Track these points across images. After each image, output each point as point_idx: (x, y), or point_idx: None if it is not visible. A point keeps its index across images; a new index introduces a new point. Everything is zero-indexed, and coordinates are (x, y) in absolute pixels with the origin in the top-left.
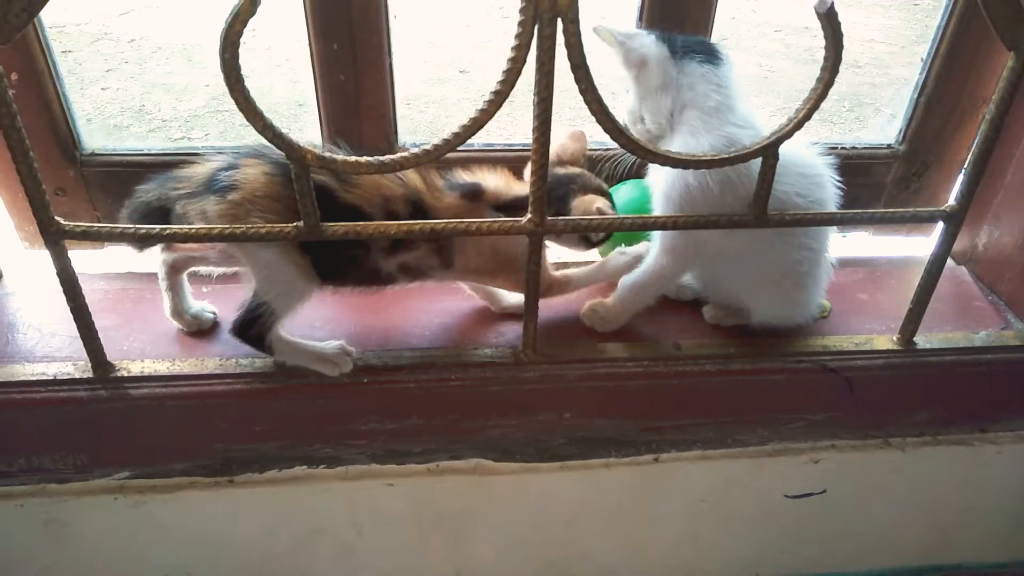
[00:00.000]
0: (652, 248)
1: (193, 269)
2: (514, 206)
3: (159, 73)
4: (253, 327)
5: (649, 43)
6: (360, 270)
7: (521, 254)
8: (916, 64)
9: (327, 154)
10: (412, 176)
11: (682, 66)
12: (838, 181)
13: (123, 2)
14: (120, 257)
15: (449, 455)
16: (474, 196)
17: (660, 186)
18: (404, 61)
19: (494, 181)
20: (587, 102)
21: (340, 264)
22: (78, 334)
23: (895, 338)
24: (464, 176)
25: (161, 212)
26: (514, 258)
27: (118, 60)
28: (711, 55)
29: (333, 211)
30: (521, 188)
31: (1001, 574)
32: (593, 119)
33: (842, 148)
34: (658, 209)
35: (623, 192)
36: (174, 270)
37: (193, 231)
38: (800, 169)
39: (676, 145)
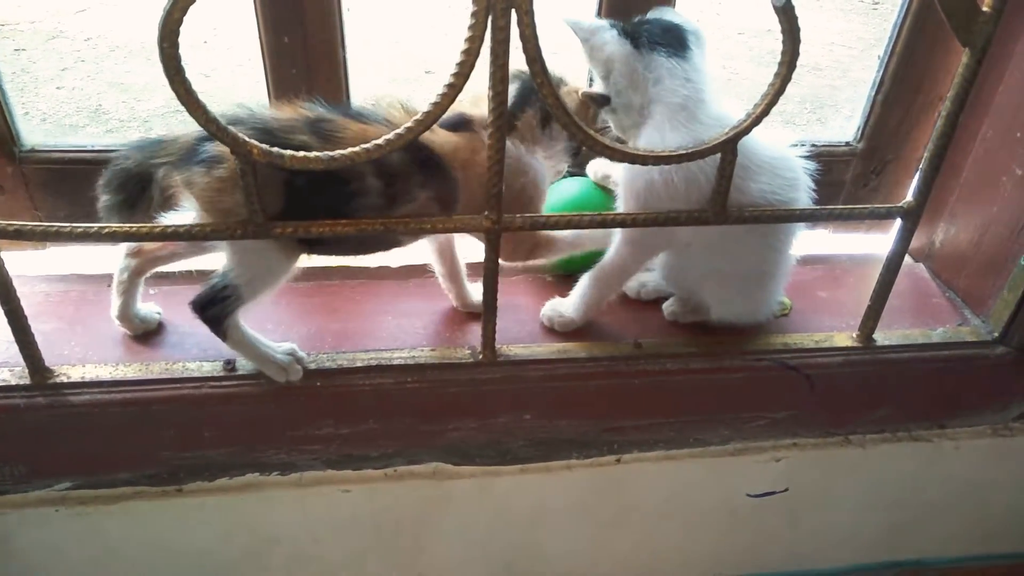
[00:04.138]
0: (614, 240)
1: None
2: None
3: (117, 72)
4: (214, 307)
5: (612, 39)
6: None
7: (530, 183)
8: (874, 66)
9: (274, 149)
10: (400, 117)
11: (648, 61)
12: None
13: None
14: (64, 258)
15: (407, 459)
16: (464, 126)
17: (625, 176)
18: (369, 60)
19: (478, 110)
20: (543, 96)
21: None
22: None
23: (854, 335)
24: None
25: (141, 180)
26: (521, 188)
27: (74, 59)
28: (678, 45)
29: (318, 172)
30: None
31: (959, 569)
32: None
33: (801, 146)
34: (622, 199)
35: (563, 188)
36: (136, 273)
37: (135, 230)
38: (777, 170)
39: (643, 140)
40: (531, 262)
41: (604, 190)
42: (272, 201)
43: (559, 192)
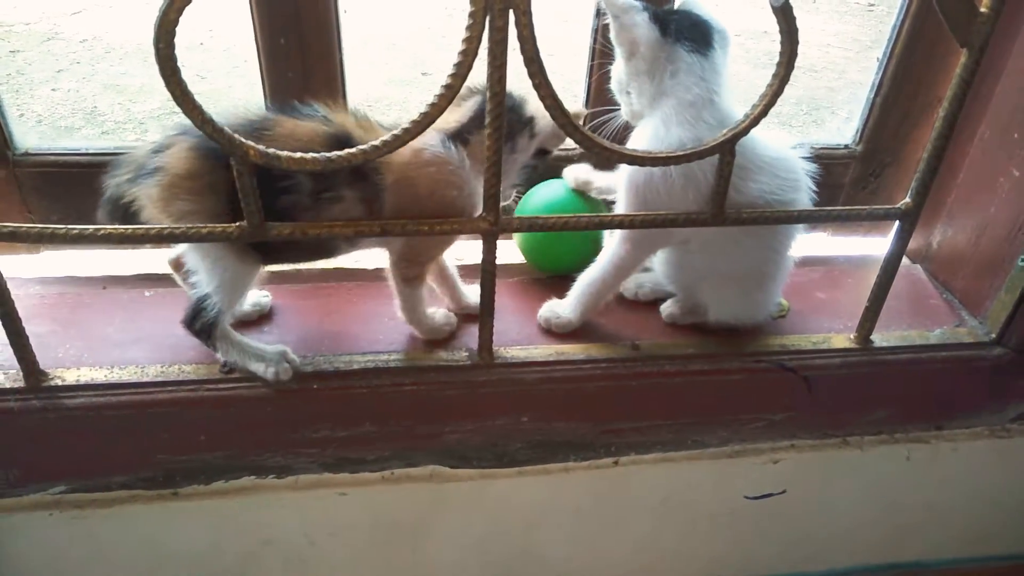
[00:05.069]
0: (611, 240)
1: None
2: (460, 132)
3: (113, 74)
4: (200, 319)
5: (642, 22)
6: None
7: (462, 197)
8: (871, 68)
9: (271, 151)
10: (340, 116)
11: (671, 52)
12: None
13: (74, 1)
14: (58, 263)
15: (404, 462)
16: None
17: (626, 171)
18: (366, 62)
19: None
20: (541, 97)
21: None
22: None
23: (852, 336)
24: None
25: (123, 201)
26: (452, 200)
27: (69, 60)
28: (702, 43)
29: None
30: (463, 114)
31: (958, 571)
32: None
33: (801, 147)
34: (621, 194)
35: (544, 192)
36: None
37: (130, 232)
38: (777, 171)
39: (649, 131)
40: (400, 286)
41: (582, 196)
42: (217, 203)
43: (539, 196)
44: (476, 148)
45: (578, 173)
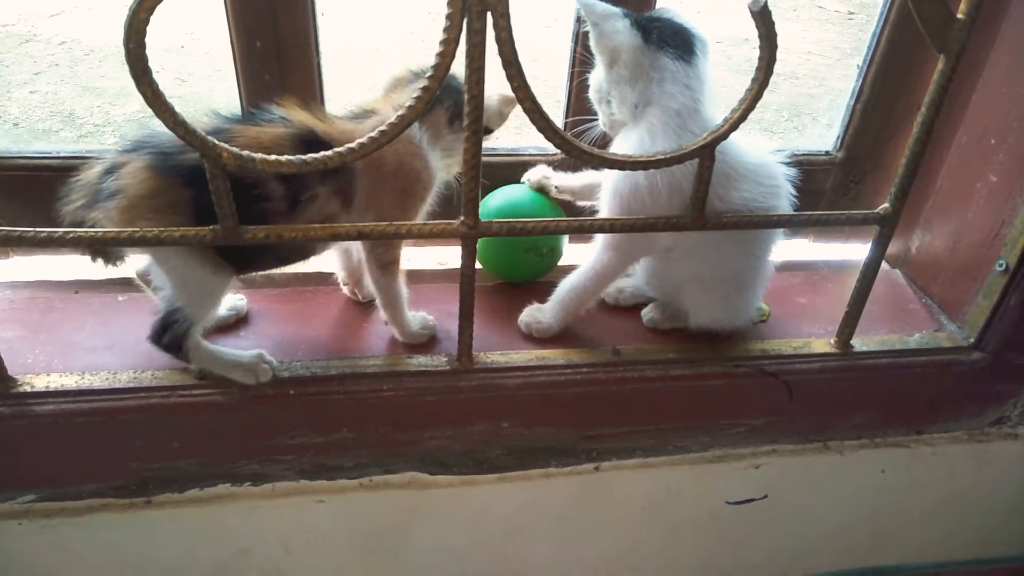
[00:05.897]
0: (594, 246)
1: None
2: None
3: (91, 77)
4: (168, 334)
5: (623, 28)
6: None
7: (425, 171)
8: (851, 75)
9: (244, 153)
10: (298, 115)
11: (654, 59)
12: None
13: (53, 3)
14: (30, 266)
15: (383, 469)
16: (368, 117)
17: (610, 180)
18: (348, 67)
19: (382, 104)
20: (519, 100)
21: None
22: None
23: (832, 341)
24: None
25: (83, 227)
26: (417, 174)
27: (47, 63)
28: (685, 50)
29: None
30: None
31: (937, 575)
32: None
33: (781, 152)
34: (605, 203)
35: (502, 195)
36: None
37: (101, 235)
38: (759, 177)
39: (634, 139)
40: (377, 275)
41: (542, 199)
42: (182, 220)
43: (504, 196)
44: (429, 125)
45: (537, 175)
